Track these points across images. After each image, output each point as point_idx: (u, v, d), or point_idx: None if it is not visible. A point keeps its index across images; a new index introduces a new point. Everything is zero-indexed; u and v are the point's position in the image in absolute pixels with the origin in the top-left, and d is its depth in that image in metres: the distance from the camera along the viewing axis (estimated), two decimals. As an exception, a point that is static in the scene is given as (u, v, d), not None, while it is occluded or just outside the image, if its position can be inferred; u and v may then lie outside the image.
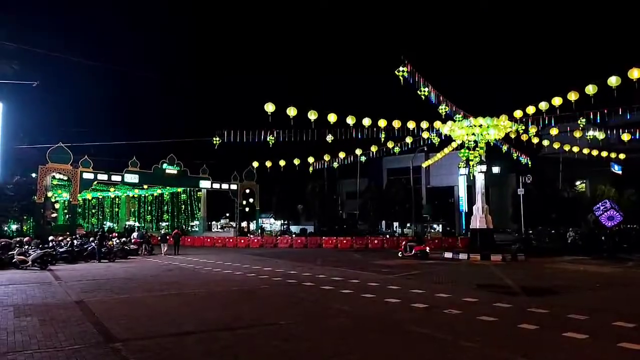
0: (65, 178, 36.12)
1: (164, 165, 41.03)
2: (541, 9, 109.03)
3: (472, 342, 7.25)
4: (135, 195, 53.95)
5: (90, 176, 36.06)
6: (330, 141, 24.43)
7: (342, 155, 30.27)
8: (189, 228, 49.80)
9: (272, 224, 58.83)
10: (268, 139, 23.53)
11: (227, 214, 57.42)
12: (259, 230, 46.04)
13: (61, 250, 22.04)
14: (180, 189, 49.13)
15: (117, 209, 55.81)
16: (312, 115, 21.56)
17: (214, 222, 59.05)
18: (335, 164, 31.57)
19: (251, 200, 45.10)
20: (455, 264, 21.55)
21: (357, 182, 44.18)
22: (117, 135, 66.97)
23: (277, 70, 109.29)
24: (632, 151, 38.89)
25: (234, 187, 45.22)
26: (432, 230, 43.75)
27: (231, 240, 37.95)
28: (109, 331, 7.99)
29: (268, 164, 30.31)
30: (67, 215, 43.77)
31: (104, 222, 54.74)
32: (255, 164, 32.74)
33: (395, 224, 45.71)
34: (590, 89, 18.71)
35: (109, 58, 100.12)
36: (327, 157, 30.37)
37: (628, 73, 17.23)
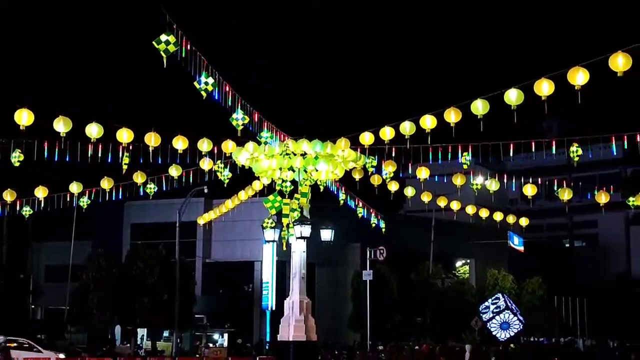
0: None
1: None
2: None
3: None
4: None
5: None
6: (17, 164, 23.66)
7: (42, 193, 28.89)
8: None
9: None
10: None
11: None
12: None
13: None
14: None
15: None
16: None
17: None
18: (27, 211, 30.00)
19: None
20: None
21: (71, 248, 42.64)
22: None
23: None
24: (537, 215, 44.77)
25: None
26: (212, 345, 44.02)
27: None
28: None
29: None
30: None
31: None
32: None
33: (143, 331, 44.94)
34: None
35: None
36: (9, 197, 28.74)
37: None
